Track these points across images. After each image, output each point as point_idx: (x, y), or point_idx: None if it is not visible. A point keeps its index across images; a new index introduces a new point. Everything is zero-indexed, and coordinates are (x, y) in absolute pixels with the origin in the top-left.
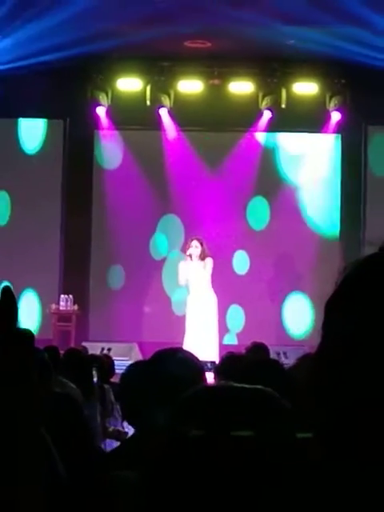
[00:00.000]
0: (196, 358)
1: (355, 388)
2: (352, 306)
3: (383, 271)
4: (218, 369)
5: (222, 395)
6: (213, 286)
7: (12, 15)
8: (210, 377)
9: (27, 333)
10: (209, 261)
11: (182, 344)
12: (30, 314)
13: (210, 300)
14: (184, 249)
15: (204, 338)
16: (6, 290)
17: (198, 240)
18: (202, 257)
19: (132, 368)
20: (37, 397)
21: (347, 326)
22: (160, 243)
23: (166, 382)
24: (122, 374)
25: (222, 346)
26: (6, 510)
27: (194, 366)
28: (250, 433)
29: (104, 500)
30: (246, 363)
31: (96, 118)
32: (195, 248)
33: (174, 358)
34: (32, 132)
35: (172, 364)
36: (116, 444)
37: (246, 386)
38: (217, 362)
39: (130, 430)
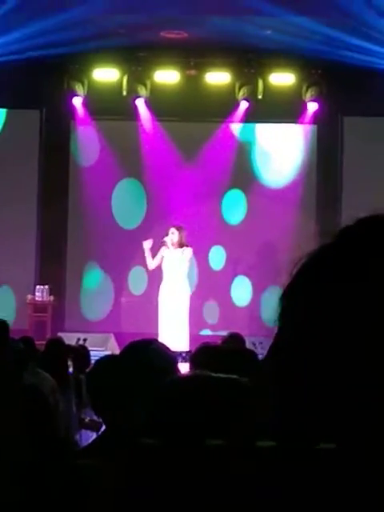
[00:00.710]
0: (169, 349)
1: (306, 378)
2: (303, 297)
3: (334, 262)
4: (193, 358)
5: (198, 384)
6: (188, 277)
7: None
8: (184, 367)
9: (2, 323)
10: (187, 250)
11: (157, 335)
12: (5, 304)
13: (183, 289)
14: (162, 235)
15: (176, 327)
16: None
17: (176, 227)
18: (179, 245)
19: (101, 364)
20: (11, 387)
21: (299, 316)
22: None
23: (139, 374)
24: (90, 370)
25: (197, 337)
26: None
27: (168, 357)
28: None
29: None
30: (221, 353)
31: (72, 108)
32: (171, 234)
33: (147, 349)
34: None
35: (145, 356)
36: (91, 434)
37: (222, 375)
38: (189, 352)
39: None
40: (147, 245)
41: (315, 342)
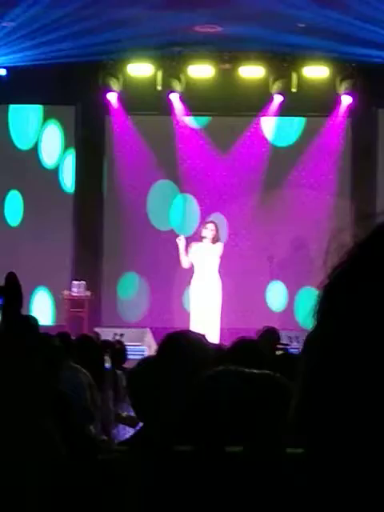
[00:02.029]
0: (206, 340)
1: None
2: (342, 296)
3: (373, 261)
4: (228, 353)
5: (234, 380)
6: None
7: (26, 7)
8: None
9: (31, 319)
10: (220, 245)
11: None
12: (42, 301)
13: (216, 284)
14: (198, 231)
15: (207, 321)
16: (11, 276)
17: (214, 223)
18: (215, 240)
19: (142, 364)
20: (40, 384)
21: (338, 316)
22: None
23: (176, 367)
24: (131, 371)
25: (229, 331)
26: (13, 495)
27: (205, 349)
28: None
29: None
30: (257, 347)
31: (107, 103)
32: (210, 231)
33: (184, 341)
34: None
35: (183, 347)
36: (129, 429)
37: (255, 370)
38: (218, 345)
39: None
40: (181, 242)
41: (355, 342)
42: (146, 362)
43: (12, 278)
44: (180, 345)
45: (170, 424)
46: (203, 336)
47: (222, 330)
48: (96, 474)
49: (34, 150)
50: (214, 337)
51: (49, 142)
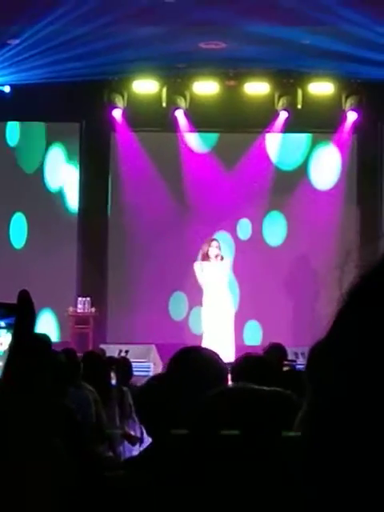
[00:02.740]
0: (218, 357)
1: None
2: (354, 322)
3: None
4: (234, 369)
5: (243, 397)
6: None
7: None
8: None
9: (44, 338)
10: (227, 262)
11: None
12: (47, 318)
13: (228, 301)
14: (203, 249)
15: (221, 339)
16: (23, 294)
17: (217, 241)
18: (221, 258)
19: (150, 383)
20: (49, 403)
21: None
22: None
23: (187, 383)
24: (140, 390)
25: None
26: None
27: (217, 366)
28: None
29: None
30: (263, 363)
31: (112, 120)
32: (215, 248)
33: (196, 356)
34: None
35: (195, 363)
36: (134, 447)
37: (265, 388)
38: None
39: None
40: (199, 266)
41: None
42: (154, 381)
43: (25, 296)
44: (191, 360)
45: (178, 441)
46: (215, 353)
47: (237, 347)
48: (103, 491)
49: (39, 170)
50: (229, 355)
51: (53, 163)
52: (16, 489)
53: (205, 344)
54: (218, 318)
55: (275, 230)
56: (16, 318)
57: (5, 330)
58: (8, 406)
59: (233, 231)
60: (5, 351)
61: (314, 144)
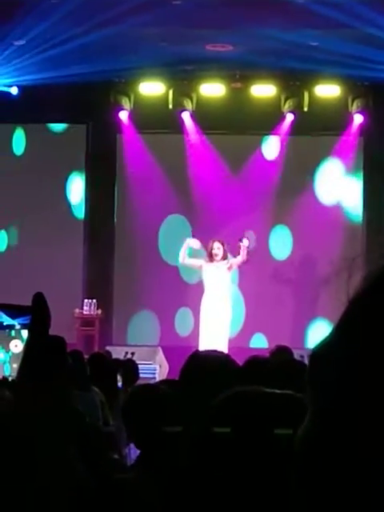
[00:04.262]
0: (233, 362)
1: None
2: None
3: None
4: (242, 372)
5: (255, 401)
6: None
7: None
8: None
9: (59, 340)
10: (231, 261)
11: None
12: (53, 318)
13: (227, 302)
14: (207, 248)
15: (216, 339)
16: (38, 296)
17: (219, 241)
18: (224, 257)
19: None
20: (64, 408)
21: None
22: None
23: (201, 388)
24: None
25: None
26: None
27: (230, 368)
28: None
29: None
30: (270, 366)
31: (119, 122)
32: (218, 249)
33: (206, 360)
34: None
35: (208, 366)
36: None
37: (277, 391)
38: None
39: None
40: (193, 244)
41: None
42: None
43: (39, 298)
44: (204, 364)
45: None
46: (228, 356)
47: (230, 349)
48: (111, 493)
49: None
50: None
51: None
52: (32, 494)
53: (200, 342)
54: (217, 318)
55: (278, 231)
56: (31, 320)
57: (19, 331)
58: (25, 407)
59: (237, 232)
60: (19, 352)
61: (320, 146)
